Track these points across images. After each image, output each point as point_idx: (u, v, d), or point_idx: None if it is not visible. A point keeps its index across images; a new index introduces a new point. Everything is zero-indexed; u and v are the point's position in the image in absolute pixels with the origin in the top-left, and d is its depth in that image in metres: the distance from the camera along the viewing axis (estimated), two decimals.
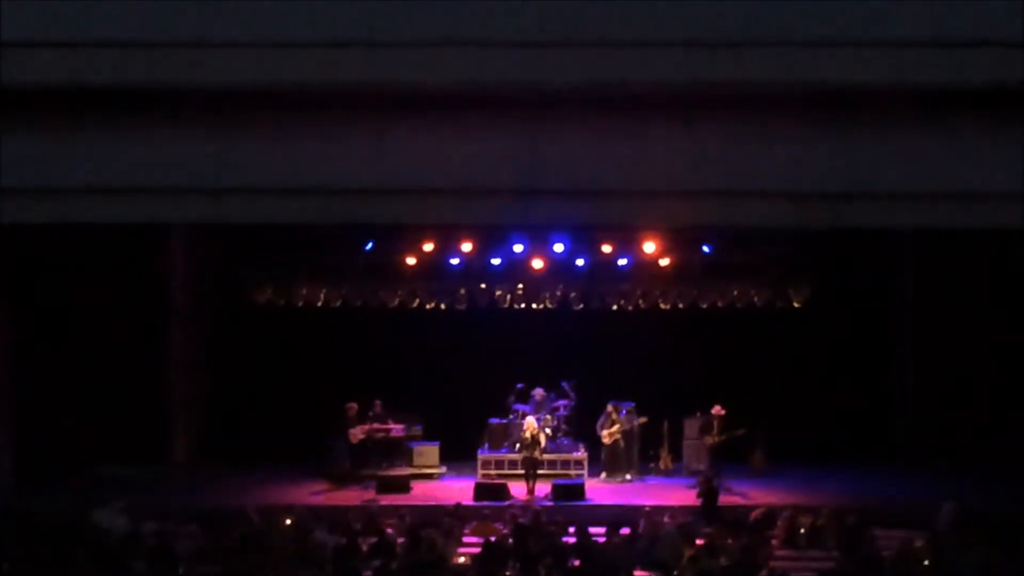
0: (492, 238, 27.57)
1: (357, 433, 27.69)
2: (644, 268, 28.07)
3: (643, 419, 27.93)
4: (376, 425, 28.04)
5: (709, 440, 27.54)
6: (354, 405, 27.98)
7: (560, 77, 21.17)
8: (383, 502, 24.99)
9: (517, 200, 22.33)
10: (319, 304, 28.82)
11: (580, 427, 28.61)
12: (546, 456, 27.17)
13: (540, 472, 26.69)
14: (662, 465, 28.39)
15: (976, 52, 20.42)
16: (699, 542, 20.88)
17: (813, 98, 21.98)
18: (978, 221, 22.19)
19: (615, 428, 27.69)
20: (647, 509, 23.19)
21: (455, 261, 28.05)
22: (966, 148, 21.48)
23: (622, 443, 27.75)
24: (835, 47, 20.66)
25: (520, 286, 28.68)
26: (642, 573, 19.68)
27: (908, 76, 20.79)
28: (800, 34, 20.57)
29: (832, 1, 20.56)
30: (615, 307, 28.91)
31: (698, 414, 27.96)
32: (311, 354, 30.21)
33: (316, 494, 26.26)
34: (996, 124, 21.53)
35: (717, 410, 27.57)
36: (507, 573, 19.12)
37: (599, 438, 27.85)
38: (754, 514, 23.05)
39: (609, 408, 27.84)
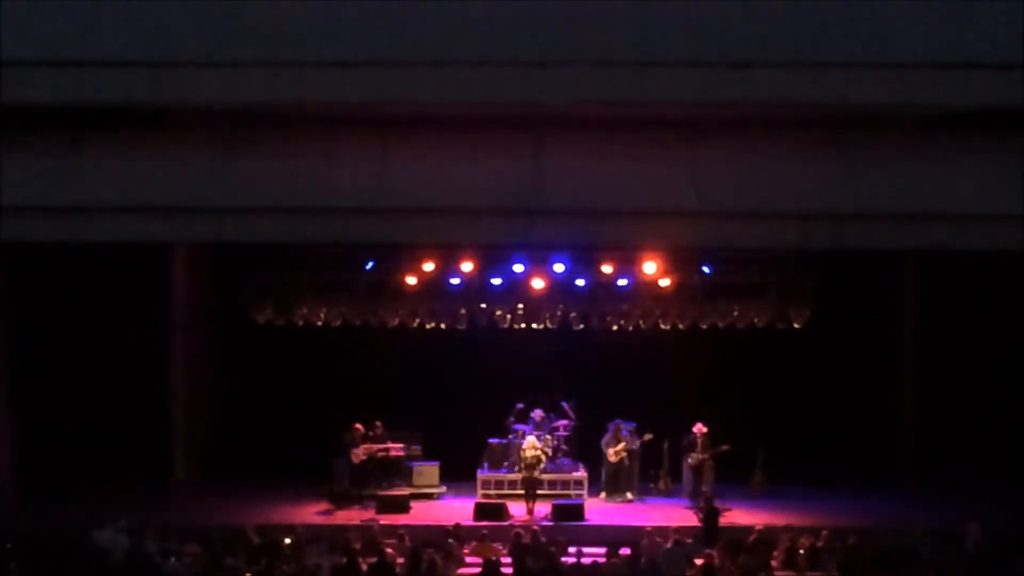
0: (492, 258, 27.53)
1: (360, 453, 27.64)
2: (644, 288, 27.98)
3: (648, 436, 27.88)
4: (377, 445, 27.99)
5: (694, 459, 27.52)
6: (360, 426, 27.93)
7: (563, 97, 21.22)
8: (383, 522, 24.91)
9: (520, 220, 22.36)
10: (319, 323, 28.77)
11: (580, 447, 28.57)
12: (546, 476, 27.11)
13: (540, 492, 26.64)
14: (662, 485, 28.32)
15: (977, 74, 20.49)
16: (699, 563, 20.88)
17: (815, 119, 22.06)
18: (979, 243, 22.22)
19: (620, 446, 27.65)
20: (647, 530, 23.15)
21: (455, 281, 27.99)
22: (967, 169, 21.54)
23: (627, 462, 27.74)
24: (837, 68, 20.72)
25: (520, 306, 28.59)
26: None
27: (910, 98, 20.86)
28: (803, 56, 20.62)
29: (835, 23, 20.60)
30: (615, 327, 28.82)
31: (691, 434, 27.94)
32: (311, 373, 30.14)
33: (316, 514, 26.22)
34: (997, 146, 21.60)
35: (699, 428, 27.56)
36: None
37: (603, 456, 27.79)
38: (754, 535, 23.01)
39: (619, 426, 27.80)
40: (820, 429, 29.32)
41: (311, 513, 26.18)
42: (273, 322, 28.61)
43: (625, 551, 21.76)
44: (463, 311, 28.50)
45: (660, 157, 22.14)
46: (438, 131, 22.62)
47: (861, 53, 20.71)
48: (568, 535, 23.34)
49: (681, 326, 28.46)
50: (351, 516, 25.91)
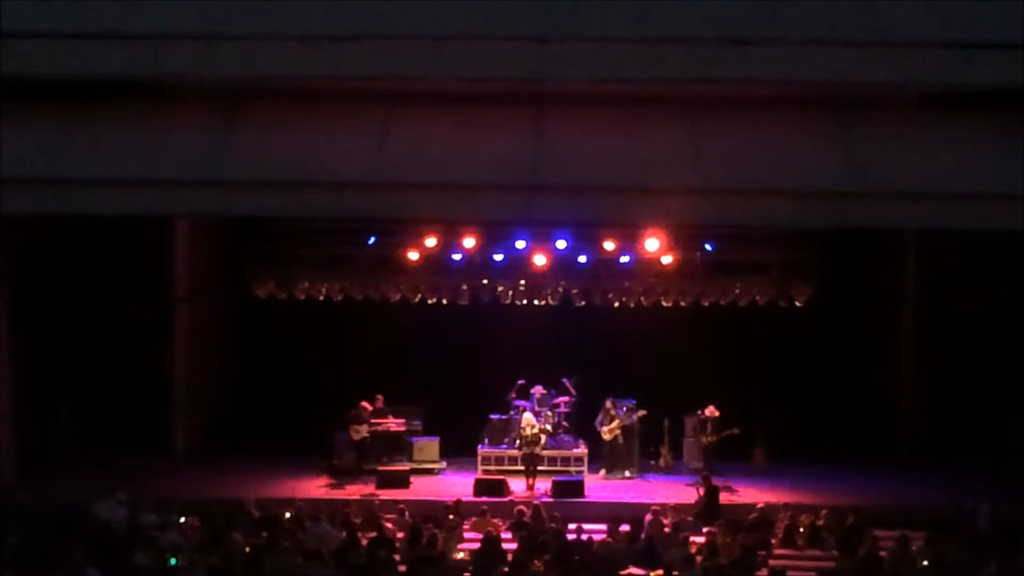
0: (494, 234, 27.48)
1: (361, 431, 27.59)
2: (646, 265, 27.95)
3: (642, 412, 27.89)
4: (378, 419, 27.99)
5: (703, 440, 27.55)
6: (367, 404, 27.92)
7: (566, 74, 21.20)
8: (382, 497, 24.93)
9: (521, 196, 22.34)
10: (321, 297, 28.76)
11: (580, 423, 28.55)
12: (546, 452, 27.09)
13: (540, 468, 26.62)
14: (662, 462, 28.34)
15: (979, 53, 20.47)
16: (699, 540, 20.90)
17: (818, 97, 22.04)
18: (981, 222, 22.20)
19: (614, 424, 27.64)
20: (650, 507, 23.16)
21: (457, 256, 27.96)
22: (969, 149, 21.52)
23: (621, 439, 27.71)
24: (840, 47, 20.70)
25: (522, 282, 28.56)
26: (640, 571, 19.68)
27: (912, 77, 20.85)
28: (805, 34, 20.60)
29: (837, 1, 20.57)
30: (617, 304, 28.81)
31: (698, 413, 27.93)
32: (313, 347, 30.16)
33: (317, 487, 26.24)
34: (999, 125, 21.57)
35: (711, 411, 27.57)
36: (505, 569, 19.14)
37: (599, 435, 27.80)
38: (754, 514, 23.04)
39: (608, 404, 27.82)
40: (821, 407, 29.30)
41: (312, 487, 26.19)
42: (275, 296, 28.60)
43: (625, 528, 21.77)
44: (465, 287, 28.50)
45: (662, 134, 22.12)
46: (439, 106, 22.61)
47: (863, 32, 20.69)
48: (568, 512, 23.36)
49: (683, 303, 28.44)
50: (351, 490, 25.92)
